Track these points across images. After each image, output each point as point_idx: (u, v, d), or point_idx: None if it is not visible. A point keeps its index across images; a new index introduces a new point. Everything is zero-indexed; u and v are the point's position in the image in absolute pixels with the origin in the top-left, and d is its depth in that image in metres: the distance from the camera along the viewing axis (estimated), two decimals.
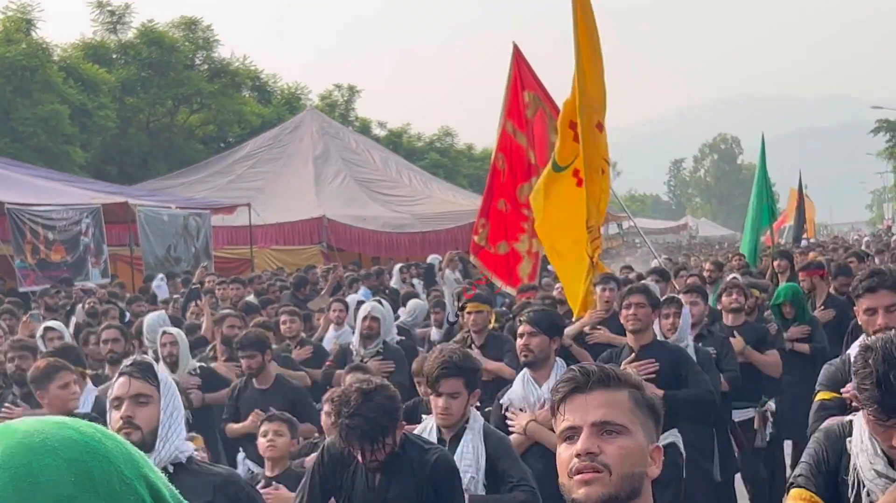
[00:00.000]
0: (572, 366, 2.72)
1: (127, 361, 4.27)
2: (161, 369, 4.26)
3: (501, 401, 6.69)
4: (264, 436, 6.38)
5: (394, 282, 20.78)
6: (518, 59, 12.36)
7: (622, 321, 7.36)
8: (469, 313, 9.23)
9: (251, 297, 15.19)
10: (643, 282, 10.44)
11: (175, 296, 17.88)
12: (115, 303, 15.43)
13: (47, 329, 10.00)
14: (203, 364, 9.57)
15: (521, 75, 12.27)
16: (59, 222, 21.96)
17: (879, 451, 3.49)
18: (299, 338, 10.83)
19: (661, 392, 6.46)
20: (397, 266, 22.31)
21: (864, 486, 3.54)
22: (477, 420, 5.58)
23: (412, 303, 13.62)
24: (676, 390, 6.98)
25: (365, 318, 9.43)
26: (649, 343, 7.27)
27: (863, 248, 27.65)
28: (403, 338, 10.96)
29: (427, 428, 5.65)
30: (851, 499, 3.58)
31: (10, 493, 1.20)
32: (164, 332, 9.33)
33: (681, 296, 8.76)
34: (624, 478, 2.50)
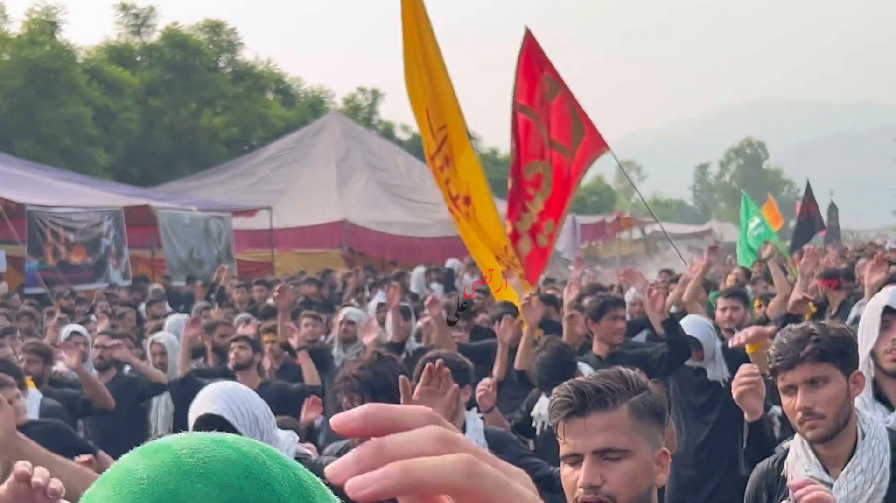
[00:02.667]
0: (567, 384, 2.63)
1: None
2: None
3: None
4: None
5: (414, 287, 20.71)
6: (531, 43, 12.23)
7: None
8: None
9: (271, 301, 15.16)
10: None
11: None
12: (133, 306, 15.42)
13: (73, 334, 9.97)
14: (195, 367, 9.53)
15: (537, 59, 12.14)
16: (80, 224, 22.04)
17: (813, 458, 3.45)
18: (316, 343, 10.76)
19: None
20: (419, 270, 22.22)
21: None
22: (475, 422, 5.47)
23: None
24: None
25: (342, 322, 9.48)
26: (615, 351, 7.32)
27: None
28: (422, 345, 10.88)
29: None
30: None
31: None
32: (153, 342, 9.38)
33: (719, 300, 8.78)
34: (631, 502, 2.50)
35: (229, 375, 8.24)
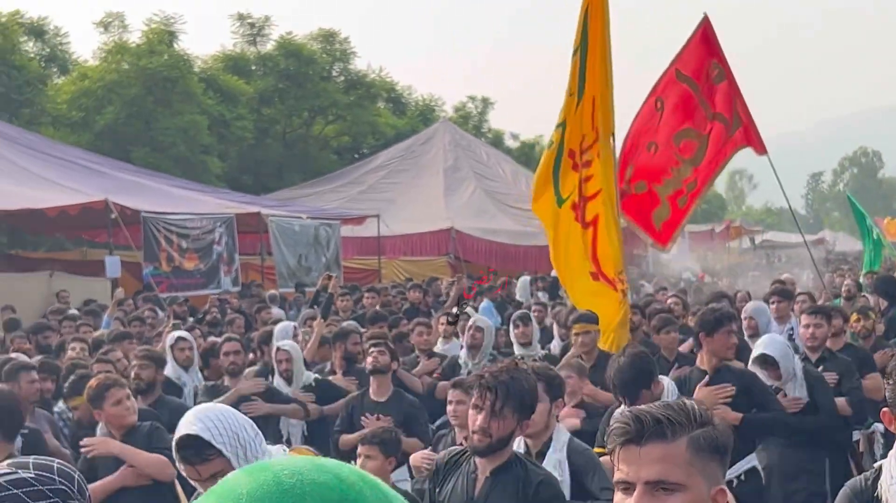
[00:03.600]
0: (628, 411, 2.58)
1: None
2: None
3: None
4: (357, 457, 6.46)
5: (520, 295, 20.77)
6: (708, 27, 12.10)
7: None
8: (577, 334, 9.17)
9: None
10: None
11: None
12: (243, 313, 15.72)
13: (179, 339, 10.11)
14: (318, 376, 9.63)
15: (710, 42, 12.03)
16: (193, 231, 22.47)
17: None
18: (429, 350, 10.87)
19: (738, 415, 6.39)
20: (525, 278, 22.25)
21: None
22: (562, 434, 5.53)
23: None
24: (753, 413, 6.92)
25: (470, 328, 9.43)
26: (721, 366, 7.13)
27: None
28: (546, 352, 10.96)
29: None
30: None
31: None
32: (278, 349, 9.40)
33: (803, 317, 8.64)
34: None
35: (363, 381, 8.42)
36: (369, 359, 8.38)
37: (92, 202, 19.88)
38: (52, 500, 2.66)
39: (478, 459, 4.78)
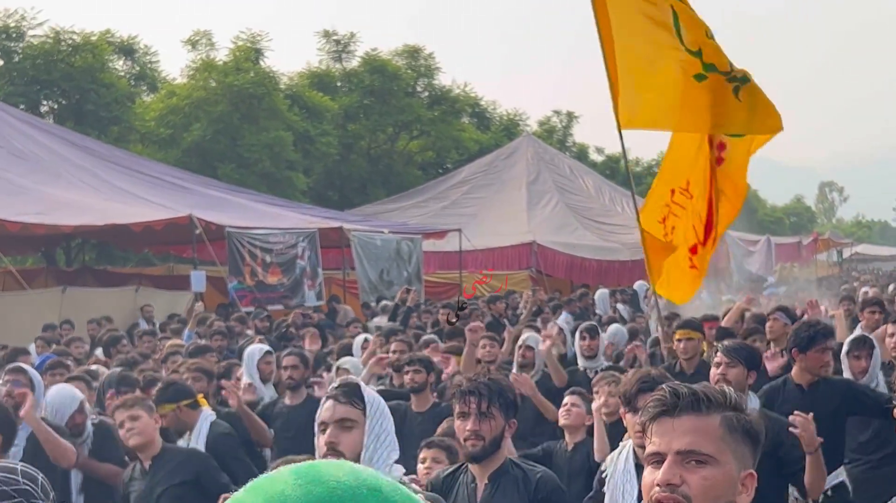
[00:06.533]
0: (663, 385, 2.62)
1: (334, 383, 4.33)
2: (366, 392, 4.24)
3: None
4: (423, 462, 6.48)
5: (599, 309, 20.71)
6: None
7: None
8: (679, 340, 9.13)
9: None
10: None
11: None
12: (321, 328, 15.85)
13: (266, 353, 10.06)
14: (382, 389, 9.66)
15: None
16: (277, 245, 22.71)
17: None
18: (497, 362, 10.87)
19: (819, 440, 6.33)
20: (603, 291, 22.15)
21: None
22: (628, 442, 5.48)
23: (612, 328, 13.49)
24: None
25: (520, 347, 9.40)
26: (816, 381, 7.03)
27: None
28: (610, 363, 10.92)
29: (624, 449, 5.54)
30: None
31: None
32: (338, 368, 9.43)
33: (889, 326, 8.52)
34: None
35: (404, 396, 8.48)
36: (406, 379, 8.47)
37: (177, 217, 20.18)
38: (15, 501, 2.74)
39: (474, 467, 4.81)
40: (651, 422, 2.53)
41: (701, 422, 2.47)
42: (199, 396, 7.61)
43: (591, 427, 6.91)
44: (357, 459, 3.92)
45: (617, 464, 5.49)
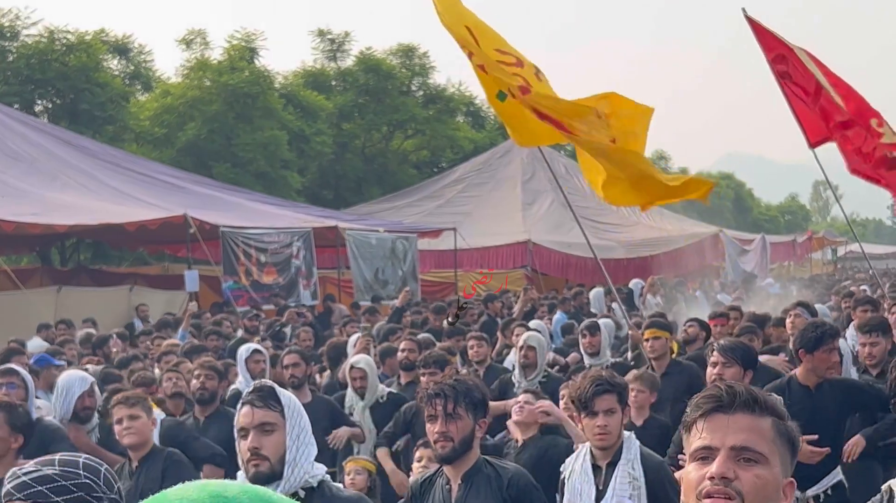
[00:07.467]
0: (719, 383, 2.60)
1: (248, 388, 4.25)
2: (283, 393, 4.21)
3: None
4: (419, 461, 6.47)
5: (594, 307, 20.69)
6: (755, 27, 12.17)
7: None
8: (647, 339, 9.12)
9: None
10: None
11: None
12: (313, 326, 15.84)
13: (254, 352, 10.07)
14: (392, 391, 9.56)
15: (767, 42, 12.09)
16: (271, 245, 22.70)
17: None
18: (487, 364, 10.79)
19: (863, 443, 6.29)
20: (598, 290, 22.10)
21: None
22: (632, 443, 5.45)
23: (602, 321, 13.40)
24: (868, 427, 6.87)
25: (521, 348, 9.33)
26: (822, 382, 6.95)
27: None
28: (618, 359, 10.93)
29: (581, 454, 5.52)
30: None
31: None
32: (352, 367, 9.37)
33: (859, 336, 8.37)
34: None
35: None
36: (423, 381, 8.40)
37: (171, 217, 20.16)
38: (76, 495, 2.74)
39: (447, 469, 4.85)
40: (702, 417, 2.49)
41: (755, 422, 2.45)
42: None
43: (543, 425, 6.79)
44: (282, 461, 3.96)
45: (574, 467, 5.48)
